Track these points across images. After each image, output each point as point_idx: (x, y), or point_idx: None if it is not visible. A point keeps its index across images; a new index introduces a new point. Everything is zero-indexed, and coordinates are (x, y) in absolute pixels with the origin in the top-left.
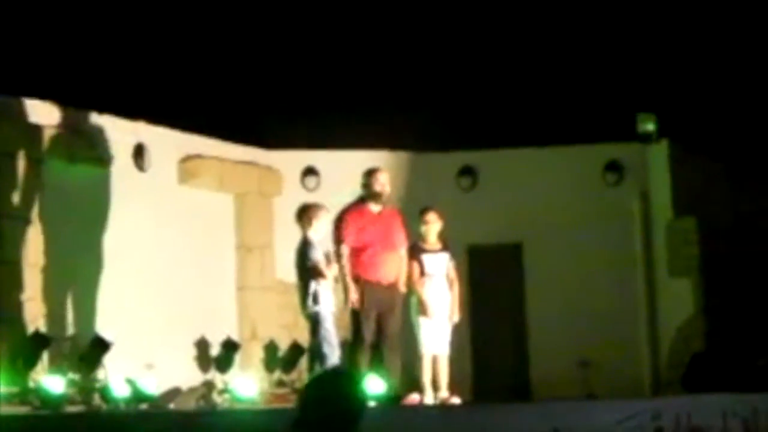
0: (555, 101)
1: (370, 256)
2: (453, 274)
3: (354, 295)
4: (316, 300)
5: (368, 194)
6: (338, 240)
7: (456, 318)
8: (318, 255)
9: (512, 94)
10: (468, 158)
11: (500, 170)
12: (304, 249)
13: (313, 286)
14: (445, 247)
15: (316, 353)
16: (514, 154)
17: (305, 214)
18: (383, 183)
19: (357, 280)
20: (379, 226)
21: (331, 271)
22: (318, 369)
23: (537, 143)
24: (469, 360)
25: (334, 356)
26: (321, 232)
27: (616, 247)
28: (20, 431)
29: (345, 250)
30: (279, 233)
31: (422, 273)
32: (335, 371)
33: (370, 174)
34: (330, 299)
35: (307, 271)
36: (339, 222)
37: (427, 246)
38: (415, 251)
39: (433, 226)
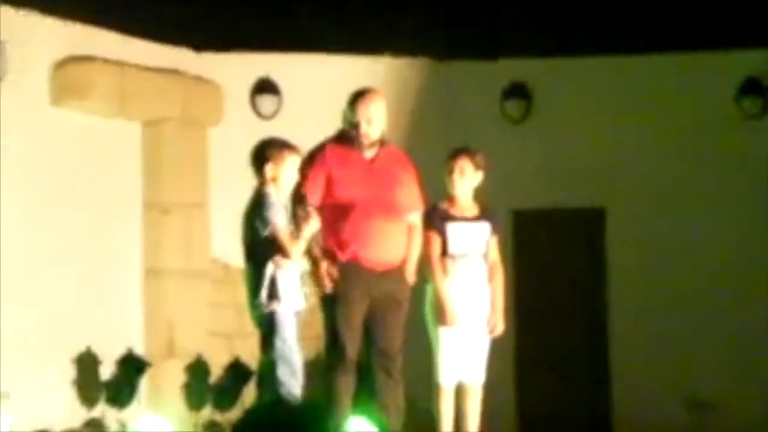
0: None
1: (355, 223)
2: (496, 256)
3: (328, 276)
4: (273, 292)
5: (350, 134)
6: (299, 196)
7: (500, 328)
8: (280, 219)
9: None
10: (518, 71)
11: (567, 91)
12: (257, 210)
13: (269, 269)
14: (486, 214)
15: (268, 378)
16: (588, 64)
17: (263, 155)
18: (372, 119)
19: (332, 259)
20: (371, 176)
21: (299, 246)
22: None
23: (626, 50)
24: (513, 388)
25: (294, 383)
26: (286, 183)
27: (750, 216)
28: None
29: (311, 211)
30: (216, 186)
31: (445, 252)
32: (281, 401)
33: (353, 102)
34: (296, 291)
35: (262, 244)
36: (304, 168)
37: (454, 210)
38: (435, 218)
39: (466, 179)
